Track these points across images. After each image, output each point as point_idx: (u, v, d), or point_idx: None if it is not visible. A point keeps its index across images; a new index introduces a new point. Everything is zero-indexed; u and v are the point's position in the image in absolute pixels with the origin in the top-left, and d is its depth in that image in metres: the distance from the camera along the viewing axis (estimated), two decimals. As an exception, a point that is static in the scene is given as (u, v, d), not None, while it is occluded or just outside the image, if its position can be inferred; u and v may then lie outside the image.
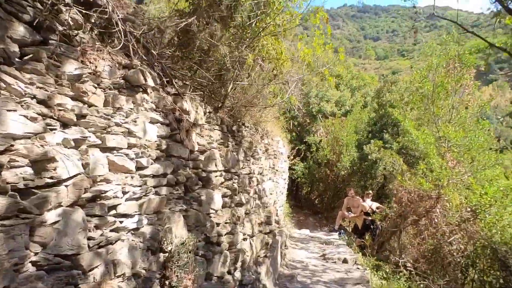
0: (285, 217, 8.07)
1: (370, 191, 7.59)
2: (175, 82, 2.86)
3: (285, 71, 4.40)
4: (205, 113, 3.35)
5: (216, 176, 3.23)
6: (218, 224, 3.11)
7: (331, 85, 11.89)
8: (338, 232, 8.82)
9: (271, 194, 5.44)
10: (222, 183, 3.40)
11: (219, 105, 3.77)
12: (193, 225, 2.66)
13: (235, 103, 4.03)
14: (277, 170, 6.26)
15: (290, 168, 11.04)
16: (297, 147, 12.09)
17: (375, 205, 7.44)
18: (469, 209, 6.12)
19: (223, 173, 3.42)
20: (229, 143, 3.75)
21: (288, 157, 10.37)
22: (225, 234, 3.24)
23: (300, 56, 4.49)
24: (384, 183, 12.28)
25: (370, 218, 7.22)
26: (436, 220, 5.63)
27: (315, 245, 7.14)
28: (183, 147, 2.64)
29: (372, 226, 6.89)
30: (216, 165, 3.21)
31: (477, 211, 6.06)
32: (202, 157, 2.98)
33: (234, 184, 3.63)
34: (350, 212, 8.40)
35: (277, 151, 6.32)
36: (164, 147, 2.37)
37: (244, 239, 3.69)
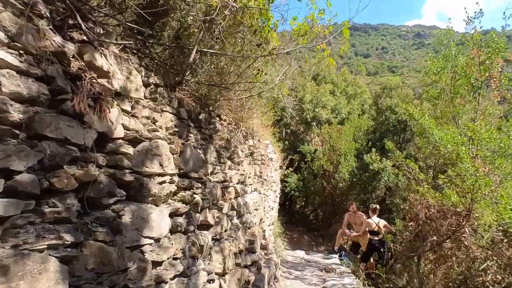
0: (276, 238, 6.77)
1: (377, 206, 6.36)
2: (85, 24, 1.70)
3: (273, 44, 3.30)
4: (148, 85, 2.18)
5: (161, 183, 2.02)
6: (158, 263, 1.86)
7: (333, 65, 10.95)
8: (338, 254, 7.56)
9: (256, 210, 4.19)
10: (174, 193, 2.19)
11: (178, 80, 2.60)
12: (94, 274, 1.41)
13: (202, 80, 2.87)
14: (265, 180, 5.04)
15: (282, 180, 9.92)
16: (290, 157, 11.01)
17: (382, 222, 6.22)
18: (500, 228, 4.99)
19: (176, 179, 2.21)
20: (190, 135, 2.56)
21: (281, 167, 9.22)
22: (172, 278, 1.98)
23: (295, 30, 3.44)
24: (386, 196, 11.18)
25: (377, 238, 5.98)
26: (466, 243, 4.44)
27: (312, 272, 5.84)
28: (81, 126, 1.44)
29: (382, 249, 5.63)
30: (161, 165, 2.00)
31: (510, 230, 4.95)
32: (130, 150, 1.77)
33: (195, 195, 2.41)
34: (352, 230, 7.16)
35: (265, 155, 5.13)
36: (19, 116, 1.17)
37: (210, 281, 2.42)
